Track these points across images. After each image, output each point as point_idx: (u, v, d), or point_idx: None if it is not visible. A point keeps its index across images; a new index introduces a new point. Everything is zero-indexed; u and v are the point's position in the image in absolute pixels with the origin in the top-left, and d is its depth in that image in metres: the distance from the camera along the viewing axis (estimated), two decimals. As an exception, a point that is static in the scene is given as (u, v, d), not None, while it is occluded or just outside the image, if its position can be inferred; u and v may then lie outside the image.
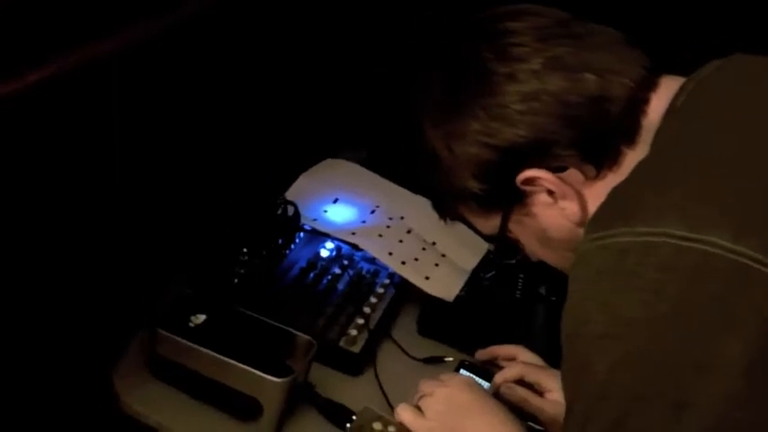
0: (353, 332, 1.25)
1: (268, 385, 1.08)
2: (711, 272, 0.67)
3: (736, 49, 0.86)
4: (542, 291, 1.30)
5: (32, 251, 1.06)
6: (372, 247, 1.38)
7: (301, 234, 1.40)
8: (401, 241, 1.41)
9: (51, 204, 1.06)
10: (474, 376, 1.18)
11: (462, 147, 0.84)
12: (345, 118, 1.63)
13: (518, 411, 1.06)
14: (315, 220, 1.43)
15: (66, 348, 1.14)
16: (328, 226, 1.42)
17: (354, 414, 1.13)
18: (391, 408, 1.13)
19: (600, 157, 0.82)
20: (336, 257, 1.40)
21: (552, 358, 1.14)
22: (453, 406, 1.00)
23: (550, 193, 0.83)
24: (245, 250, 1.26)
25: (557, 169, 0.82)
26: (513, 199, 0.86)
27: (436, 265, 1.38)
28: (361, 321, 1.27)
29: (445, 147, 0.86)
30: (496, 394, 1.10)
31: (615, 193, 0.77)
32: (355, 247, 1.39)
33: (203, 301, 1.16)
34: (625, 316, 0.69)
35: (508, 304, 1.32)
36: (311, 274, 1.35)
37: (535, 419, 1.11)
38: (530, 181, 0.83)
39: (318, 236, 1.41)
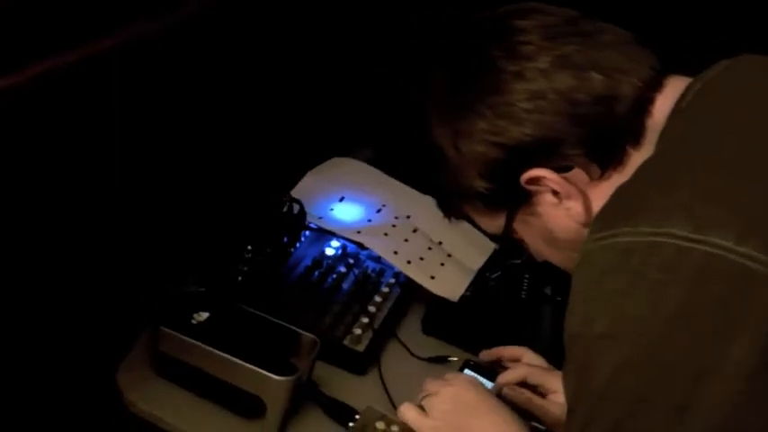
0: (358, 331, 1.25)
1: (272, 384, 1.07)
2: (714, 273, 0.66)
3: (735, 48, 0.86)
4: (548, 291, 1.30)
5: (33, 247, 1.06)
6: (378, 246, 1.37)
7: (307, 232, 1.40)
8: (407, 240, 1.41)
9: (52, 200, 1.06)
10: (478, 376, 1.18)
11: (469, 145, 0.84)
12: (353, 116, 1.63)
13: (522, 413, 1.05)
14: (320, 218, 1.42)
15: (69, 346, 1.14)
16: (334, 224, 1.42)
17: (358, 413, 1.13)
18: (395, 407, 1.12)
19: (605, 157, 0.81)
20: (342, 256, 1.39)
21: (557, 359, 1.13)
22: (460, 405, 1.00)
23: (555, 193, 0.83)
24: (249, 248, 1.26)
25: (561, 169, 0.81)
26: (518, 198, 0.85)
27: (442, 264, 1.37)
28: (365, 320, 1.27)
29: (452, 145, 0.85)
30: (499, 395, 1.10)
31: (619, 193, 0.76)
32: (361, 245, 1.39)
33: (207, 298, 1.16)
34: (629, 316, 0.68)
35: (513, 304, 1.31)
36: (316, 273, 1.35)
37: (538, 421, 1.10)
38: (534, 180, 0.82)
39: (324, 234, 1.41)
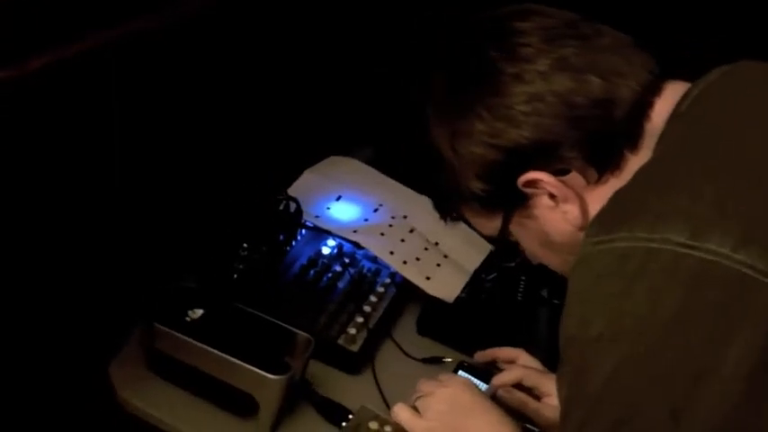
0: (353, 331, 1.25)
1: (265, 382, 1.07)
2: (711, 280, 0.66)
3: (735, 48, 0.85)
4: (544, 293, 1.29)
5: (28, 240, 1.05)
6: (374, 246, 1.37)
7: (303, 231, 1.40)
8: (403, 240, 1.40)
9: (48, 194, 1.06)
10: (472, 377, 1.18)
11: (467, 147, 0.84)
12: (353, 116, 1.62)
13: (516, 415, 1.05)
14: (317, 216, 1.42)
15: (62, 342, 1.14)
16: (330, 223, 1.42)
17: (351, 413, 1.13)
18: (388, 407, 1.12)
19: (603, 161, 0.81)
20: (338, 255, 1.39)
21: (553, 361, 1.13)
22: (455, 406, 1.00)
23: (552, 196, 0.83)
24: (245, 245, 1.25)
25: (559, 172, 0.81)
26: (515, 201, 0.85)
27: (438, 265, 1.37)
28: (360, 320, 1.27)
29: (449, 146, 0.85)
30: (494, 396, 1.10)
31: (617, 197, 0.76)
32: (357, 245, 1.39)
33: (202, 295, 1.16)
34: (625, 321, 0.68)
35: (509, 306, 1.31)
36: (312, 272, 1.34)
37: (532, 423, 1.10)
38: (531, 183, 0.82)
39: (320, 233, 1.41)
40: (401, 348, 1.30)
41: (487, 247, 1.38)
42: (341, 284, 1.33)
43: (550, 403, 1.09)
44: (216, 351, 1.08)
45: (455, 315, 1.31)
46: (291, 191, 1.42)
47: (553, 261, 0.91)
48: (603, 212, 0.76)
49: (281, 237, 1.33)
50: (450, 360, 1.27)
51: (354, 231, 1.40)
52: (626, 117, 0.80)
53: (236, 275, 1.24)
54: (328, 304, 1.28)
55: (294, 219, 1.35)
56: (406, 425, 1.01)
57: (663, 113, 0.80)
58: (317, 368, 1.20)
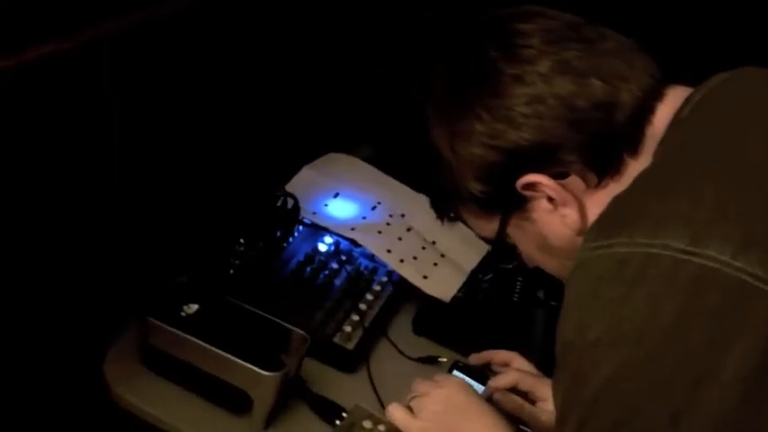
0: (348, 329, 1.24)
1: (259, 379, 1.07)
2: (710, 287, 0.66)
3: (736, 49, 0.85)
4: (540, 295, 1.29)
5: (24, 236, 1.05)
6: (371, 244, 1.37)
7: (300, 227, 1.39)
8: (401, 239, 1.40)
9: (44, 188, 1.06)
10: (467, 378, 1.17)
11: (466, 147, 0.83)
12: (353, 114, 1.62)
13: (511, 419, 1.05)
14: (314, 213, 1.42)
15: (57, 337, 1.14)
16: (328, 220, 1.41)
17: (345, 411, 1.13)
18: (383, 406, 1.12)
19: (602, 165, 0.81)
20: (335, 252, 1.39)
21: (548, 363, 1.13)
22: (450, 407, 0.99)
23: (550, 199, 0.82)
24: (241, 241, 1.25)
25: (558, 175, 0.81)
26: (513, 203, 0.84)
27: (435, 264, 1.37)
28: (356, 318, 1.26)
29: (449, 146, 0.85)
30: (489, 399, 1.09)
31: (617, 202, 0.76)
32: (354, 242, 1.38)
33: (197, 290, 1.15)
34: (623, 327, 0.68)
35: (505, 307, 1.31)
36: (308, 269, 1.34)
37: (526, 426, 1.10)
38: (530, 186, 0.82)
39: (317, 230, 1.40)
40: (396, 347, 1.29)
41: (485, 248, 1.38)
42: (337, 282, 1.33)
43: (545, 408, 1.08)
44: (210, 347, 1.07)
45: (451, 315, 1.31)
46: (289, 187, 1.42)
47: (550, 265, 0.91)
48: (603, 217, 0.76)
49: (278, 233, 1.33)
50: (445, 360, 1.27)
51: (352, 229, 1.39)
52: (627, 121, 0.79)
53: (231, 271, 1.24)
54: (324, 302, 1.28)
55: (291, 215, 1.35)
56: (400, 425, 1.00)
57: (664, 118, 0.80)
58: (311, 366, 1.19)
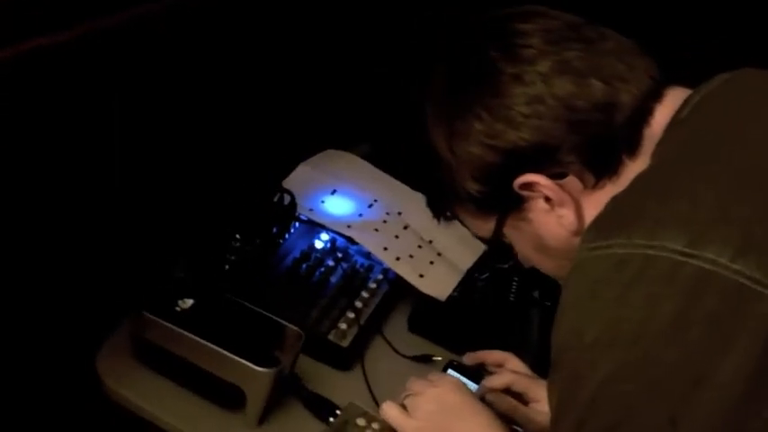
0: (343, 326, 1.24)
1: (253, 375, 1.06)
2: (708, 289, 0.66)
3: (736, 49, 0.85)
4: (536, 295, 1.29)
5: (18, 229, 1.04)
6: (368, 241, 1.37)
7: (296, 224, 1.39)
8: (397, 237, 1.40)
9: (40, 181, 1.05)
10: (461, 377, 1.17)
11: (464, 147, 0.83)
12: (352, 111, 1.62)
13: (504, 419, 1.04)
14: (311, 210, 1.41)
15: (50, 331, 1.13)
16: (324, 217, 1.41)
17: (339, 408, 1.13)
18: (377, 404, 1.12)
19: (601, 166, 0.80)
20: (331, 250, 1.38)
21: (543, 364, 1.12)
22: (444, 407, 0.99)
23: (548, 199, 0.82)
24: (238, 237, 1.25)
25: (556, 176, 0.80)
26: (510, 203, 0.84)
27: (431, 263, 1.37)
28: (351, 316, 1.26)
29: (447, 146, 0.84)
30: (482, 399, 1.09)
31: (616, 203, 0.75)
32: (350, 240, 1.38)
33: (192, 285, 1.15)
34: (621, 328, 0.68)
35: (501, 307, 1.30)
36: (304, 265, 1.34)
37: (519, 426, 1.10)
38: (528, 186, 0.81)
39: (314, 227, 1.40)
40: (391, 345, 1.29)
41: (481, 247, 1.38)
42: (333, 279, 1.33)
43: (539, 409, 1.08)
44: (205, 342, 1.07)
45: (446, 314, 1.31)
46: (286, 183, 1.41)
47: (546, 265, 0.91)
48: (601, 218, 0.75)
49: (275, 229, 1.32)
50: (440, 359, 1.27)
51: (348, 226, 1.39)
52: (626, 123, 0.79)
53: (227, 266, 1.23)
54: (320, 299, 1.28)
55: (288, 211, 1.34)
56: (394, 423, 1.00)
57: (663, 120, 0.80)
58: (306, 363, 1.19)
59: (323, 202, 1.45)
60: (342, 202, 1.46)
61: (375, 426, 1.08)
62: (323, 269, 1.34)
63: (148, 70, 1.13)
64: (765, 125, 0.77)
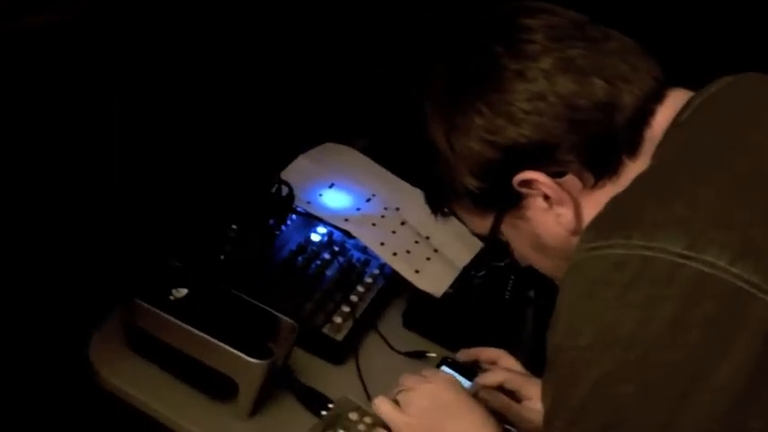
0: (338, 320, 1.24)
1: (246, 366, 1.06)
2: (707, 292, 0.66)
3: (736, 50, 0.84)
4: (531, 294, 1.29)
5: (10, 218, 1.04)
6: (365, 236, 1.36)
7: (294, 216, 1.39)
8: (394, 232, 1.39)
9: (34, 170, 1.04)
10: (455, 373, 1.17)
11: (464, 142, 0.82)
12: (351, 106, 1.61)
13: (497, 417, 1.04)
14: (309, 202, 1.41)
15: (43, 319, 1.13)
16: (322, 210, 1.40)
17: (332, 402, 1.12)
18: (370, 399, 1.12)
19: (600, 166, 0.80)
20: (327, 243, 1.38)
21: (537, 363, 1.12)
22: (437, 403, 0.99)
23: (546, 198, 0.81)
24: (234, 227, 1.24)
25: (555, 174, 0.80)
26: (508, 200, 0.84)
27: (428, 259, 1.36)
28: (346, 309, 1.26)
29: (446, 140, 0.84)
30: (475, 395, 1.09)
31: (615, 203, 0.75)
32: (347, 234, 1.38)
33: (187, 274, 1.15)
34: (617, 331, 0.67)
35: (496, 305, 1.30)
36: (300, 258, 1.33)
37: (512, 425, 1.09)
38: (527, 183, 0.81)
39: (311, 219, 1.40)
40: (386, 341, 1.29)
41: (478, 244, 1.37)
42: (329, 273, 1.32)
43: (532, 407, 1.08)
44: (198, 332, 1.07)
45: (442, 310, 1.31)
46: (284, 175, 1.41)
47: (543, 264, 0.90)
48: (600, 218, 0.75)
49: (272, 221, 1.32)
50: (434, 355, 1.27)
51: (346, 220, 1.39)
52: (627, 123, 0.79)
53: (223, 257, 1.23)
54: (315, 292, 1.27)
55: (285, 203, 1.34)
56: (386, 418, 1.00)
57: (664, 121, 0.79)
58: (300, 356, 1.19)
59: (321, 194, 1.44)
60: (340, 195, 1.45)
61: (367, 420, 1.08)
62: (319, 262, 1.33)
63: (149, 60, 1.13)
64: (767, 130, 0.77)
